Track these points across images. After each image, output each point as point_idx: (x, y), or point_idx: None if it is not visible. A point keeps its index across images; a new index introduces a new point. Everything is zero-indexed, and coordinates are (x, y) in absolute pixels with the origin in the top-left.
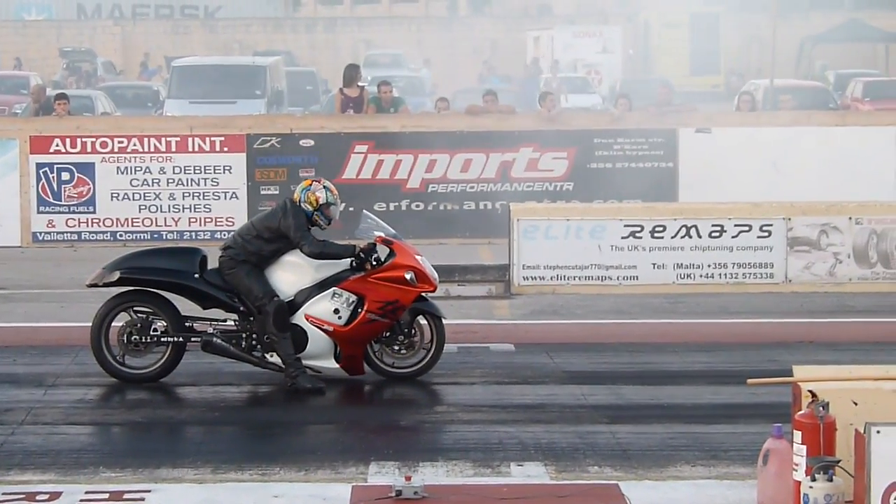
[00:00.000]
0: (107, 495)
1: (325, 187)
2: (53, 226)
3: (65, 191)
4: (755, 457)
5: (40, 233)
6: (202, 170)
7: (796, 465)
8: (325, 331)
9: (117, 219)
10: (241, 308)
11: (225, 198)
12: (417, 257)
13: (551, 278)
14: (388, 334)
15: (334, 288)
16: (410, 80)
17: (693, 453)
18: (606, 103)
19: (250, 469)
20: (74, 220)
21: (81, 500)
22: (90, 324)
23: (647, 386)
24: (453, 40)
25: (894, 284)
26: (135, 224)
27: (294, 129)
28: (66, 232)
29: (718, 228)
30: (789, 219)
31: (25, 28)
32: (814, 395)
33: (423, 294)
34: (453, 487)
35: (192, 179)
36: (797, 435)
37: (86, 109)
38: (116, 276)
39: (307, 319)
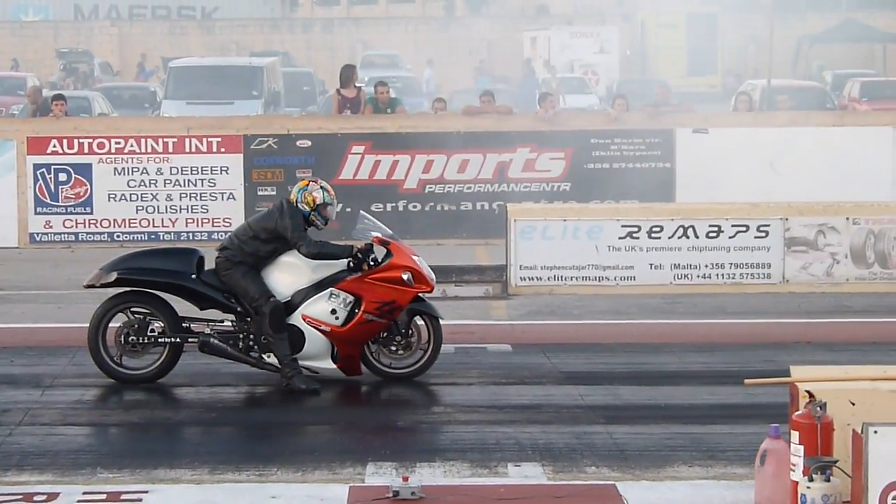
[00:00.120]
0: (104, 496)
1: (321, 188)
2: (51, 227)
3: (62, 192)
4: (753, 457)
5: (37, 234)
6: (199, 170)
7: (794, 465)
8: (322, 331)
9: (114, 219)
10: (238, 309)
11: (222, 198)
12: (414, 258)
13: (548, 279)
14: (385, 335)
15: (331, 288)
16: (407, 80)
17: (690, 454)
18: (603, 104)
19: (247, 470)
20: (72, 220)
21: (79, 501)
22: (87, 324)
23: (645, 386)
24: (450, 41)
25: (891, 284)
26: (132, 225)
27: (291, 130)
28: (64, 233)
29: (716, 229)
30: (786, 219)
31: (22, 29)
32: (811, 395)
33: (421, 294)
34: (450, 488)
35: (189, 180)
36: (794, 435)
37: (83, 110)
38: (114, 276)
39: (304, 320)
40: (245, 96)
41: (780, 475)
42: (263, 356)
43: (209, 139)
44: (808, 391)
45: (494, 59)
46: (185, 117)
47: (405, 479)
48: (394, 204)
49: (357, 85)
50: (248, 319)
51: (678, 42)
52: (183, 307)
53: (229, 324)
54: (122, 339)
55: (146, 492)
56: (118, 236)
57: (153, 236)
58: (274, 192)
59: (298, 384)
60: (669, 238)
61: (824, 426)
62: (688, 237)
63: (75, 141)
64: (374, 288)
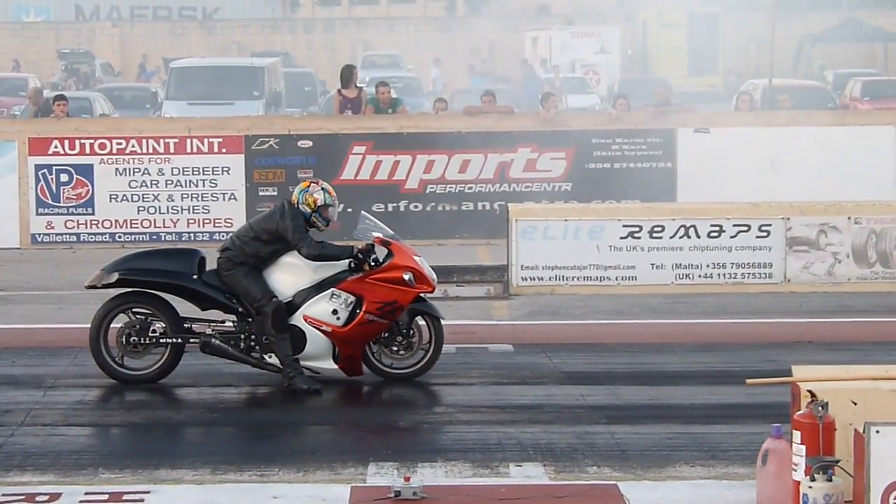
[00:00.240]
0: (106, 496)
1: (323, 189)
2: (52, 227)
3: (63, 192)
4: (754, 457)
5: (39, 234)
6: (200, 171)
7: (795, 465)
8: (323, 332)
9: (116, 220)
10: (240, 309)
11: (223, 199)
12: (416, 258)
13: (550, 279)
14: (386, 335)
15: (333, 289)
16: (408, 80)
17: (692, 453)
18: (605, 104)
19: (249, 470)
20: (73, 221)
21: (81, 502)
22: (89, 325)
23: (646, 386)
24: (451, 41)
25: (893, 284)
26: (133, 225)
27: (292, 130)
28: (65, 233)
29: (717, 228)
30: (788, 219)
31: (24, 30)
32: (813, 394)
33: (422, 295)
34: (452, 488)
35: (190, 181)
36: (796, 435)
37: (84, 111)
38: (115, 277)
39: (305, 320)
40: (246, 97)
41: (782, 475)
42: (265, 357)
43: (210, 140)
44: (809, 391)
45: (496, 59)
46: (187, 118)
47: (407, 479)
48: (395, 204)
49: (358, 85)
50: (250, 320)
51: (679, 42)
52: (184, 308)
53: (231, 324)
54: (124, 339)
55: (148, 492)
56: (119, 237)
57: (154, 237)
58: (275, 193)
59: (300, 384)
60: (671, 238)
61: (826, 426)
62: (689, 237)
63: (77, 142)
64: (375, 288)
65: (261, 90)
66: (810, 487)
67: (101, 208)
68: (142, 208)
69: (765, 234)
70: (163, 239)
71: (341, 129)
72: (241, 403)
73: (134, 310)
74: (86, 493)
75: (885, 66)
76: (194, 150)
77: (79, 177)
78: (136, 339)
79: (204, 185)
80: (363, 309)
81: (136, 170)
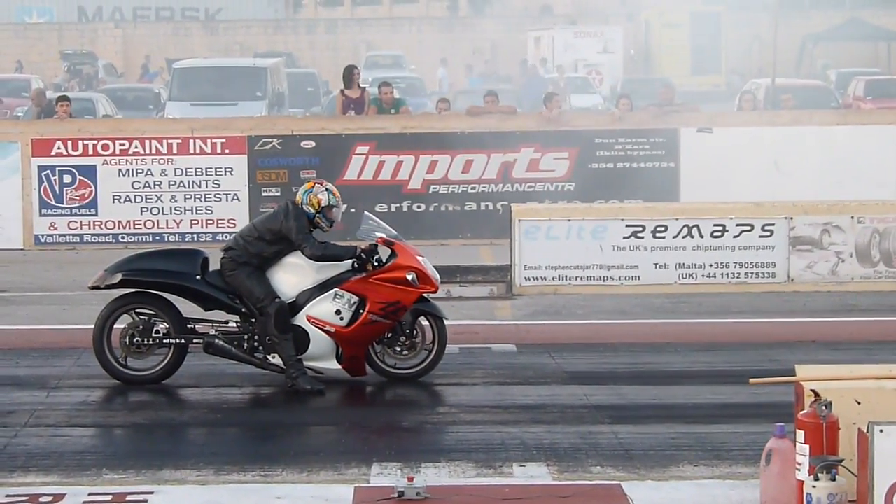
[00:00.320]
0: (110, 497)
1: (327, 189)
2: (55, 228)
3: (66, 193)
4: (758, 456)
5: (42, 235)
6: (203, 171)
7: (799, 464)
8: (326, 332)
9: (119, 221)
10: (243, 310)
11: (226, 199)
12: (419, 258)
13: (553, 279)
14: (389, 335)
15: (336, 289)
16: (411, 80)
17: (695, 453)
18: (608, 103)
19: (253, 470)
20: (76, 222)
21: (84, 502)
22: (92, 326)
23: (649, 386)
24: (454, 41)
25: None
26: (136, 226)
27: (295, 131)
28: (68, 234)
29: (720, 228)
30: (791, 218)
31: (26, 31)
32: (816, 394)
33: (425, 295)
34: (455, 488)
35: (193, 181)
36: (800, 434)
37: (87, 112)
38: (118, 278)
39: (309, 321)
40: (249, 97)
41: (786, 474)
42: (268, 357)
43: (213, 140)
44: (813, 390)
45: (499, 60)
46: (189, 118)
47: (410, 479)
48: (398, 204)
49: (361, 86)
50: (253, 320)
51: (682, 41)
52: (188, 308)
53: (234, 325)
54: (127, 340)
55: (151, 493)
56: (123, 238)
57: (158, 237)
58: (278, 193)
59: (303, 385)
60: (674, 238)
61: (829, 425)
62: (692, 237)
63: (80, 142)
64: (378, 288)
65: (264, 91)
66: (814, 487)
67: (104, 209)
68: (145, 209)
69: (768, 233)
70: (166, 240)
71: (344, 129)
72: (245, 404)
73: (137, 310)
74: (89, 494)
75: (889, 66)
76: (197, 150)
77: (82, 178)
78: (139, 339)
79: (207, 186)
80: (366, 309)
81: (140, 171)
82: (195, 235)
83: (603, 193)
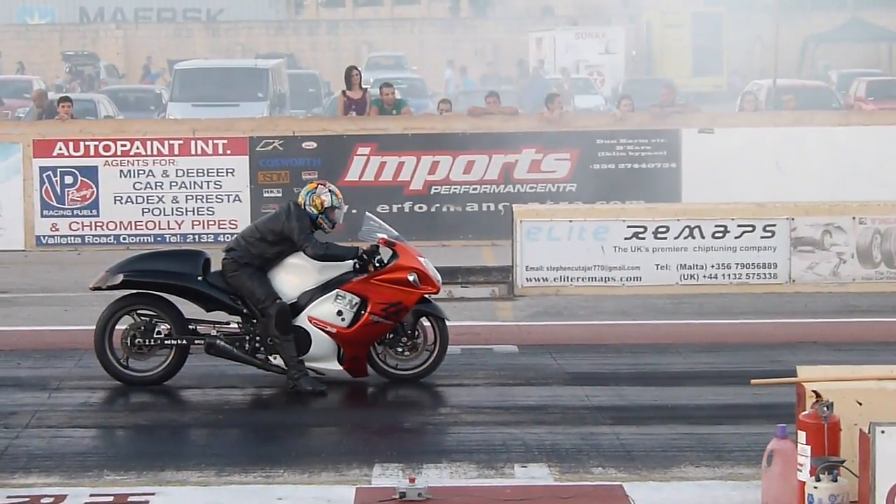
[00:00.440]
0: (111, 498)
1: (330, 191)
2: (57, 229)
3: (68, 194)
4: (759, 457)
5: (44, 236)
6: (205, 172)
7: (801, 465)
8: (328, 333)
9: (120, 222)
10: (245, 310)
11: (228, 200)
12: (420, 259)
13: (554, 279)
14: (391, 336)
15: (337, 290)
16: (413, 81)
17: (697, 454)
18: (609, 104)
19: (254, 471)
20: (78, 223)
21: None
22: (94, 327)
23: (651, 387)
24: (455, 42)
25: None
26: (138, 227)
27: (296, 132)
28: (70, 235)
29: (722, 229)
30: (793, 219)
31: (28, 32)
32: (818, 395)
33: (427, 296)
34: (457, 489)
35: (194, 182)
36: (801, 435)
37: (88, 113)
38: (120, 279)
39: (310, 321)
40: (250, 98)
41: (787, 475)
42: (270, 358)
43: (215, 141)
44: (814, 391)
45: (500, 61)
46: (191, 119)
47: (412, 480)
48: (399, 205)
49: (362, 86)
50: (255, 321)
51: (683, 42)
52: (189, 309)
53: (235, 325)
54: (129, 341)
55: (153, 494)
56: (124, 239)
57: (159, 238)
58: (280, 194)
59: (305, 386)
60: (675, 238)
61: (831, 426)
62: (694, 237)
63: (81, 143)
64: (379, 289)
65: (265, 92)
66: (815, 488)
67: (105, 210)
68: (146, 210)
69: (769, 234)
70: (167, 240)
71: (346, 130)
72: (246, 405)
73: (139, 311)
74: (91, 495)
75: (890, 66)
76: (199, 151)
77: (83, 179)
78: (140, 340)
79: (208, 187)
80: (368, 310)
81: (141, 171)
82: (196, 236)
83: (604, 194)
